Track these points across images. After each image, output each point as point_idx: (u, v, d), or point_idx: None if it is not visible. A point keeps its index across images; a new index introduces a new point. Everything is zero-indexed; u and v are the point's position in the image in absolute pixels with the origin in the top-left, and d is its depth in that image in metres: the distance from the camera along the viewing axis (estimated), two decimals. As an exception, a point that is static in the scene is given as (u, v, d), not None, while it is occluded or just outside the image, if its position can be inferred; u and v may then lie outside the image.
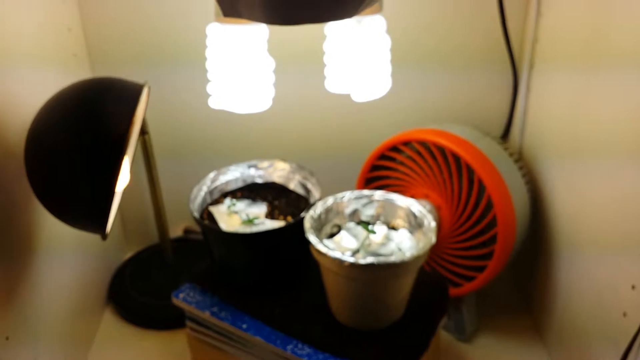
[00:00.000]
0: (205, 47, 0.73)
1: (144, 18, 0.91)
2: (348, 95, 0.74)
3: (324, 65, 0.74)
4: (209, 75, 0.69)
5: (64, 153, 0.63)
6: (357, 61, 0.65)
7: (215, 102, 0.69)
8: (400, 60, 0.74)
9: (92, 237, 0.92)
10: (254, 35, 0.66)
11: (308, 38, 0.85)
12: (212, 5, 0.82)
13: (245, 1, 0.49)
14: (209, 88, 0.69)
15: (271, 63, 0.68)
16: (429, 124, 0.93)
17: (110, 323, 0.97)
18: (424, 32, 0.92)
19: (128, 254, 1.12)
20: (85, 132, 0.62)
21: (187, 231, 1.14)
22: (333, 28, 0.70)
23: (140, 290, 1.01)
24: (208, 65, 0.72)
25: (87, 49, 0.94)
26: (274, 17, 0.49)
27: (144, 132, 0.93)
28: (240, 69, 0.66)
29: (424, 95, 0.98)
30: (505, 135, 1.01)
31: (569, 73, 0.80)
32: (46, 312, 0.76)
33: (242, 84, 0.67)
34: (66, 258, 0.84)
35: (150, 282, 1.03)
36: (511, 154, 0.90)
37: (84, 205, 0.65)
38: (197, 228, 1.14)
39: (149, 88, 0.70)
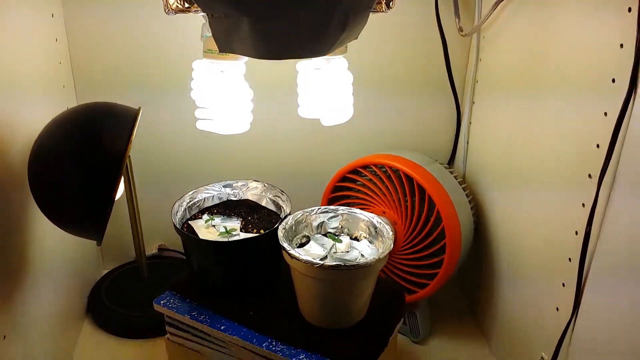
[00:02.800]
0: (184, 77, 0.81)
1: (126, 51, 0.99)
2: (316, 122, 0.84)
3: (293, 95, 0.84)
4: (197, 102, 0.77)
5: (68, 167, 0.69)
6: (326, 92, 0.75)
7: (202, 124, 0.78)
8: (360, 96, 0.85)
9: (73, 254, 0.98)
10: (236, 69, 0.75)
11: (281, 72, 0.95)
12: (186, 45, 0.91)
13: (239, 40, 0.59)
14: (197, 113, 0.77)
15: (249, 93, 0.78)
16: (385, 150, 1.04)
17: (89, 331, 1.02)
18: (380, 72, 1.04)
19: (105, 270, 1.17)
20: (88, 148, 0.69)
21: (161, 249, 1.20)
22: (305, 64, 0.80)
23: (116, 303, 1.06)
24: (194, 94, 0.80)
25: (73, 81, 1.02)
26: (264, 53, 0.59)
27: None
28: (224, 98, 0.75)
29: (381, 126, 1.09)
30: (451, 161, 1.13)
31: (503, 109, 0.93)
32: (35, 318, 0.81)
33: (226, 110, 0.76)
34: (52, 273, 0.89)
35: (127, 295, 1.08)
36: (456, 177, 1.01)
37: (85, 213, 0.71)
38: (170, 246, 1.20)
39: (141, 111, 0.77)
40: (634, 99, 0.57)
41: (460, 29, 0.98)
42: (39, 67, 0.84)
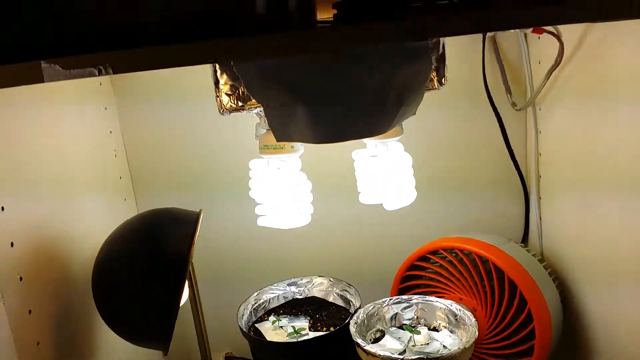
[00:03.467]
0: (241, 176, 0.82)
1: (180, 147, 1.01)
2: (377, 209, 0.81)
3: (352, 183, 0.82)
4: (256, 199, 0.77)
5: (131, 275, 0.68)
6: (386, 176, 0.73)
7: (263, 221, 0.76)
8: (425, 181, 0.82)
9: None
10: (292, 162, 0.75)
11: (338, 161, 0.95)
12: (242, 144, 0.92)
13: (295, 127, 0.59)
14: (257, 209, 0.77)
15: (308, 185, 0.77)
16: (452, 234, 0.98)
17: None
18: (437, 154, 1.02)
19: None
20: (150, 255, 0.69)
21: (228, 357, 1.15)
22: (361, 152, 0.79)
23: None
24: (253, 192, 0.80)
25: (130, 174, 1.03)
26: (322, 137, 0.58)
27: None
28: (282, 192, 0.75)
29: (446, 208, 1.05)
30: (525, 239, 1.06)
31: (572, 182, 0.87)
32: None
33: (285, 204, 0.75)
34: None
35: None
36: (534, 255, 0.94)
37: (150, 321, 0.69)
38: (238, 353, 1.15)
39: (202, 214, 0.77)
40: None
41: (514, 104, 0.96)
42: (94, 160, 0.87)
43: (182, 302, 0.78)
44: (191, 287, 0.99)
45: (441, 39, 0.65)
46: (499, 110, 0.96)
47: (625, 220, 0.73)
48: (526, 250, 0.94)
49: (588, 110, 0.80)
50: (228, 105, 0.67)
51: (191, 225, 0.71)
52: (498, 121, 0.96)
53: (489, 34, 0.92)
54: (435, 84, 0.67)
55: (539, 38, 0.89)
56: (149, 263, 0.68)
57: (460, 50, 0.92)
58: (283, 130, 0.60)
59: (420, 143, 0.98)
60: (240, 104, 0.67)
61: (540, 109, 0.95)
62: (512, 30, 0.92)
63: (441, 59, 0.66)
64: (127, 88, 0.96)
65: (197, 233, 0.70)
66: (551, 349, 0.87)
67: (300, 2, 0.52)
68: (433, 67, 0.66)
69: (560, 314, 0.90)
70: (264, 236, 1.01)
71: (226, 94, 0.66)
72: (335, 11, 0.55)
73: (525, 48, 0.92)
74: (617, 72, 0.71)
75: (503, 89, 0.96)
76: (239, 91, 0.66)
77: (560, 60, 0.78)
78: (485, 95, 0.96)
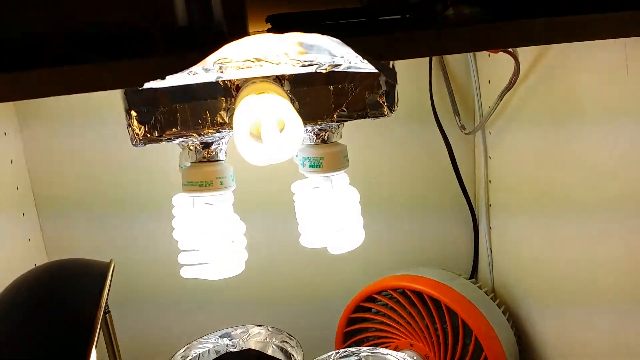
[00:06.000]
0: (163, 208, 0.69)
1: (92, 176, 0.84)
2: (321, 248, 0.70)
3: (291, 220, 0.71)
4: (180, 245, 0.64)
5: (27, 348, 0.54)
6: (330, 215, 0.62)
7: (187, 272, 0.64)
8: (365, 211, 0.73)
9: None
10: (223, 201, 0.63)
11: (274, 195, 0.83)
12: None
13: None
14: (180, 258, 0.64)
15: (241, 227, 0.65)
16: (399, 270, 0.89)
17: None
18: (384, 184, 0.92)
19: None
20: (48, 334, 0.54)
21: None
22: (301, 184, 0.68)
23: None
24: (176, 233, 0.67)
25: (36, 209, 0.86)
26: None
27: (105, 311, 0.84)
28: (211, 235, 0.62)
29: (391, 244, 0.95)
30: (474, 274, 0.98)
31: (525, 211, 0.80)
32: None
33: (214, 250, 0.62)
34: None
35: None
36: (486, 292, 0.86)
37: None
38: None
39: (114, 266, 0.63)
40: None
41: (463, 127, 0.88)
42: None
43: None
44: (110, 345, 0.84)
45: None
46: (447, 134, 0.88)
47: (579, 245, 0.67)
48: (477, 286, 0.86)
49: (541, 135, 0.73)
50: (142, 135, 0.54)
51: (98, 281, 0.57)
52: (446, 145, 0.88)
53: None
54: (385, 110, 0.57)
55: (489, 56, 0.82)
56: (43, 334, 0.53)
57: (407, 70, 0.84)
58: None
59: (365, 172, 0.88)
60: (157, 134, 0.55)
61: (490, 133, 0.87)
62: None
63: (391, 83, 0.57)
64: (31, 111, 0.81)
65: (106, 291, 0.56)
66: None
67: (231, 15, 0.41)
68: (382, 91, 0.57)
69: (517, 355, 0.82)
70: (192, 281, 0.87)
71: (139, 120, 0.54)
72: (269, 25, 0.45)
73: (473, 67, 0.85)
74: (574, 95, 0.64)
75: (452, 111, 0.88)
76: (155, 116, 0.54)
77: (515, 80, 0.71)
78: (433, 118, 0.88)
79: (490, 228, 0.93)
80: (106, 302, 0.81)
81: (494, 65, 0.83)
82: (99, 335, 0.74)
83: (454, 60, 0.87)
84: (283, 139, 0.45)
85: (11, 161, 0.77)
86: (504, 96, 0.77)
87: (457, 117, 0.88)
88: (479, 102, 0.87)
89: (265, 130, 0.43)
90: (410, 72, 0.87)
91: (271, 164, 0.46)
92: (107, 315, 0.83)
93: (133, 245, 0.87)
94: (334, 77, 0.55)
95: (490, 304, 0.83)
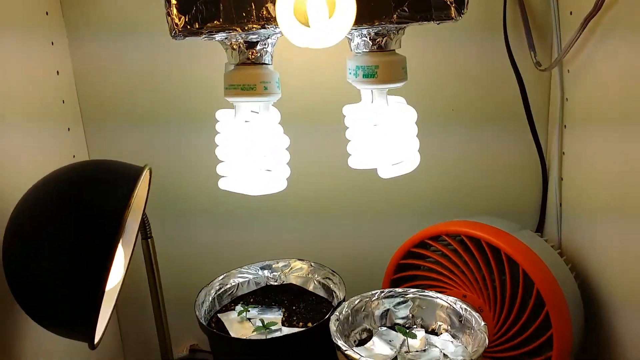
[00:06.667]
0: (207, 126, 0.65)
1: (138, 87, 0.81)
2: (370, 178, 0.64)
3: (341, 135, 0.65)
4: (219, 156, 0.59)
5: (47, 250, 0.51)
6: (384, 133, 0.56)
7: (226, 183, 0.59)
8: (427, 151, 0.65)
9: (82, 351, 0.77)
10: (264, 108, 0.57)
11: (323, 106, 0.77)
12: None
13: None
14: (219, 169, 0.59)
15: (285, 140, 0.59)
16: (455, 217, 0.81)
17: None
18: (445, 116, 0.84)
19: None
20: (71, 227, 0.52)
21: (193, 350, 0.98)
22: (352, 107, 0.62)
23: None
24: (218, 149, 0.63)
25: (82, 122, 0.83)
26: None
27: (147, 236, 0.82)
28: (252, 147, 0.57)
29: (449, 186, 0.87)
30: (540, 228, 0.89)
31: (605, 159, 0.70)
32: None
33: (255, 163, 0.57)
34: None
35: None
36: (552, 247, 0.78)
37: (68, 309, 0.52)
38: (205, 346, 0.98)
39: (150, 171, 0.60)
40: None
41: (538, 64, 0.79)
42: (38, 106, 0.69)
43: (113, 283, 0.62)
44: (149, 265, 0.82)
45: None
46: (520, 71, 0.79)
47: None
48: (544, 240, 0.78)
49: (630, 73, 0.63)
50: (182, 26, 0.50)
51: (129, 183, 0.54)
52: (518, 83, 0.79)
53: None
54: (453, 12, 0.50)
55: None
56: (67, 227, 0.51)
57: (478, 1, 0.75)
58: None
59: (425, 100, 0.80)
60: (197, 25, 0.50)
61: (568, 71, 0.78)
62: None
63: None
64: (80, 20, 0.78)
65: (135, 194, 0.53)
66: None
67: None
68: (451, -13, 0.49)
69: (582, 321, 0.73)
70: (235, 207, 0.83)
71: (179, 9, 0.49)
72: None
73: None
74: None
75: (526, 45, 0.79)
76: (196, 6, 0.49)
77: (602, 3, 0.61)
78: (506, 51, 0.79)
79: (562, 179, 0.83)
80: (148, 224, 0.80)
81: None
82: (135, 246, 0.72)
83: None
84: (332, 23, 0.39)
85: (57, 72, 0.75)
86: (587, 24, 0.67)
87: (532, 52, 0.79)
88: (557, 36, 0.77)
89: (311, 3, 0.37)
90: (482, 3, 0.78)
91: (317, 47, 0.40)
92: (148, 240, 0.81)
93: (179, 163, 0.84)
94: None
95: (557, 258, 0.75)
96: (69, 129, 0.78)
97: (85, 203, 0.52)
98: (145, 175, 0.57)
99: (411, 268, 0.80)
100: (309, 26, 0.39)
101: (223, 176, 0.60)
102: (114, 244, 0.50)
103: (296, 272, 0.77)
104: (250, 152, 0.58)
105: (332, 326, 0.58)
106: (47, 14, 0.74)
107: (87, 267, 0.50)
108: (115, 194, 0.52)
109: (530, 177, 0.87)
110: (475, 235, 0.74)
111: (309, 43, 0.39)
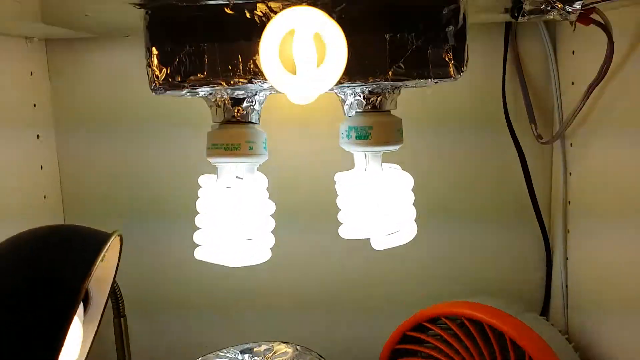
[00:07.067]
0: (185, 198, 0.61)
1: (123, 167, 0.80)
2: (361, 254, 0.59)
3: (329, 211, 0.60)
4: (197, 223, 0.54)
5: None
6: (377, 199, 0.52)
7: (202, 253, 0.54)
8: (421, 226, 0.61)
9: None
10: (249, 171, 0.53)
11: (311, 181, 0.74)
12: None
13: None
14: (196, 237, 0.54)
15: (270, 206, 0.55)
16: (455, 297, 0.76)
17: None
18: (445, 197, 0.81)
19: None
20: (21, 298, 0.46)
21: None
22: (343, 174, 0.58)
23: None
24: (198, 219, 0.58)
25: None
26: None
27: (120, 314, 0.75)
28: (234, 213, 0.52)
29: (446, 266, 0.83)
30: (545, 311, 0.83)
31: (613, 238, 0.66)
32: None
33: (236, 231, 0.52)
34: None
35: None
36: (560, 331, 0.71)
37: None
38: None
39: (121, 238, 0.54)
40: None
41: (539, 136, 0.76)
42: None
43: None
44: (120, 345, 0.75)
45: (461, 5, 0.46)
46: (521, 144, 0.76)
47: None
48: (550, 324, 0.71)
49: (637, 146, 0.60)
50: (162, 79, 0.46)
51: (95, 248, 0.49)
52: (519, 157, 0.76)
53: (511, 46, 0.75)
54: (451, 69, 0.47)
55: (573, 30, 0.70)
56: (14, 298, 0.45)
57: (478, 70, 0.74)
58: None
59: (425, 181, 0.77)
60: (179, 78, 0.47)
61: (571, 145, 0.75)
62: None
63: (460, 35, 0.47)
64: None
65: (98, 261, 0.47)
66: None
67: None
68: (449, 46, 0.47)
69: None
70: (211, 280, 0.78)
71: (160, 60, 0.46)
72: None
73: (554, 66, 0.74)
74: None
75: (526, 116, 0.77)
76: (179, 57, 0.46)
77: (607, 69, 0.59)
78: (505, 124, 0.77)
79: (567, 259, 0.78)
80: (123, 304, 0.74)
81: (578, 64, 0.72)
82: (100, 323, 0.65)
83: (531, 59, 0.77)
84: (320, 71, 0.36)
85: (31, 73, 0.75)
86: (591, 93, 0.65)
87: (532, 125, 0.77)
88: (559, 108, 0.75)
89: (298, 46, 0.34)
90: (481, 72, 0.77)
91: (307, 96, 0.36)
92: (122, 319, 0.75)
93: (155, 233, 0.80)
94: (392, 24, 0.46)
95: (566, 344, 0.69)
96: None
97: (39, 272, 0.46)
98: (114, 242, 0.51)
99: (408, 354, 0.73)
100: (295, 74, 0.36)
101: (199, 245, 0.54)
102: (68, 319, 0.44)
103: (280, 356, 0.70)
104: (231, 218, 0.53)
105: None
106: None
107: (35, 343, 0.44)
108: (73, 262, 0.46)
109: (533, 257, 0.82)
110: (476, 317, 0.67)
111: (296, 91, 0.36)
